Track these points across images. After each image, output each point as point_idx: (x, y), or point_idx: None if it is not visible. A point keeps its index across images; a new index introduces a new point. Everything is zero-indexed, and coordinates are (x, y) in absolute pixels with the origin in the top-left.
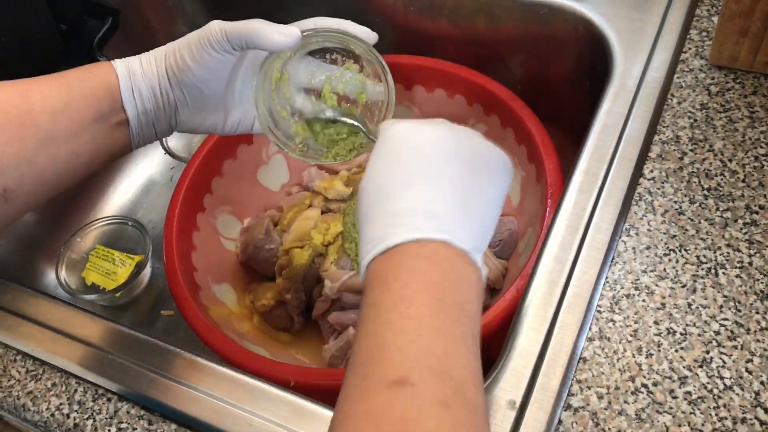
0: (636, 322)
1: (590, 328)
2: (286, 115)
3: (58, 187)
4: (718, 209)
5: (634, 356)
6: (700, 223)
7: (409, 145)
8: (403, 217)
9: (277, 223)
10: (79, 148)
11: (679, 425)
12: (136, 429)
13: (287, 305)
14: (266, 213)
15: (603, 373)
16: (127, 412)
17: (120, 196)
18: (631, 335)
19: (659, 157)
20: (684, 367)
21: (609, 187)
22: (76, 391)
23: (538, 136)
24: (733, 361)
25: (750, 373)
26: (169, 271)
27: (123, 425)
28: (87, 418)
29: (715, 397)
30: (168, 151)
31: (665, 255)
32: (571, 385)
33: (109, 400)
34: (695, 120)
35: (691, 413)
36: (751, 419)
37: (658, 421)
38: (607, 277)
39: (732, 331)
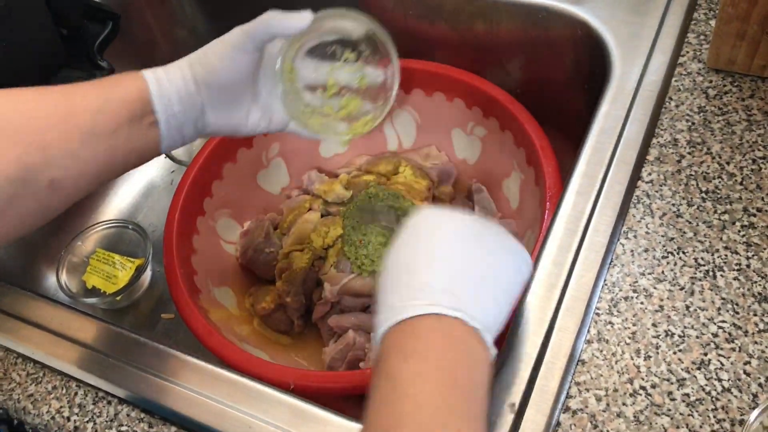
0: (634, 325)
1: (589, 331)
2: (302, 106)
3: (98, 181)
4: (715, 212)
5: (632, 358)
6: (698, 225)
7: (435, 228)
8: (422, 291)
9: (276, 226)
10: (116, 145)
11: (677, 427)
12: (136, 431)
13: (287, 308)
14: (266, 216)
15: (601, 376)
16: (128, 415)
17: (121, 199)
18: (629, 337)
19: (657, 160)
20: (682, 369)
21: (607, 189)
22: (76, 394)
23: (536, 139)
24: (731, 363)
25: (748, 375)
26: (169, 274)
27: (123, 428)
28: (87, 421)
29: (713, 399)
30: (168, 155)
31: (663, 257)
32: (570, 388)
33: (109, 403)
34: (693, 123)
35: (689, 415)
36: None
37: (657, 423)
38: (605, 280)
39: (730, 333)
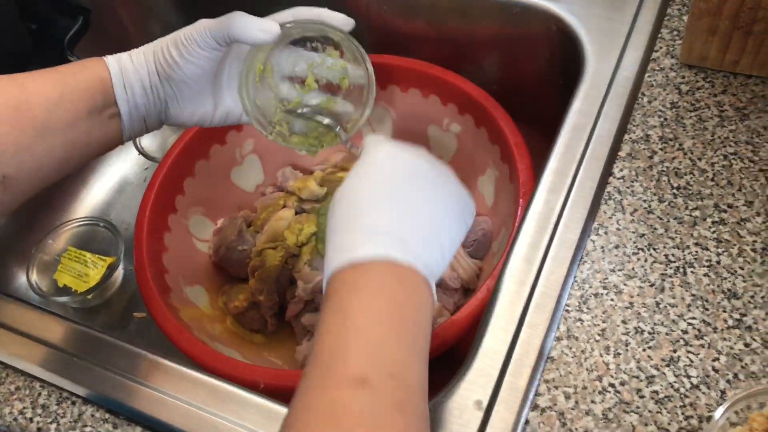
0: (604, 322)
1: (558, 328)
2: (271, 106)
3: (54, 176)
4: (687, 208)
5: (601, 356)
6: (669, 222)
7: (387, 166)
8: (373, 234)
9: (250, 223)
10: (75, 138)
11: (646, 424)
12: None
13: (260, 307)
14: (240, 214)
15: (570, 373)
16: (92, 416)
17: (93, 197)
18: (599, 335)
19: (629, 156)
20: (651, 366)
21: (578, 186)
22: (39, 394)
23: (511, 135)
24: (700, 360)
25: (716, 371)
26: (139, 272)
27: (87, 429)
28: (51, 422)
29: (682, 396)
30: (141, 152)
31: (634, 254)
32: (539, 385)
33: (73, 403)
34: (665, 119)
35: (657, 412)
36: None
37: (625, 421)
38: (575, 277)
39: (699, 330)
